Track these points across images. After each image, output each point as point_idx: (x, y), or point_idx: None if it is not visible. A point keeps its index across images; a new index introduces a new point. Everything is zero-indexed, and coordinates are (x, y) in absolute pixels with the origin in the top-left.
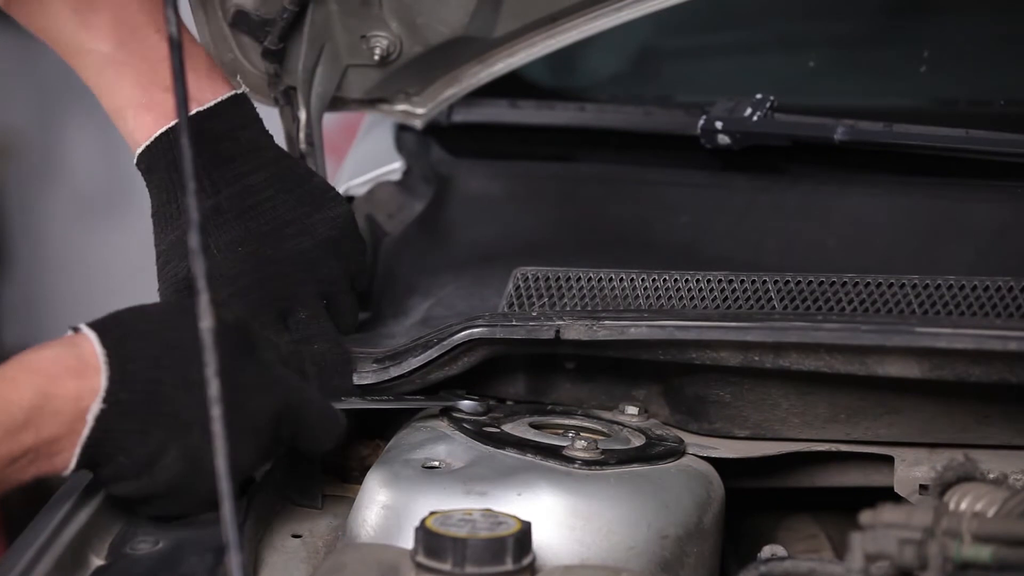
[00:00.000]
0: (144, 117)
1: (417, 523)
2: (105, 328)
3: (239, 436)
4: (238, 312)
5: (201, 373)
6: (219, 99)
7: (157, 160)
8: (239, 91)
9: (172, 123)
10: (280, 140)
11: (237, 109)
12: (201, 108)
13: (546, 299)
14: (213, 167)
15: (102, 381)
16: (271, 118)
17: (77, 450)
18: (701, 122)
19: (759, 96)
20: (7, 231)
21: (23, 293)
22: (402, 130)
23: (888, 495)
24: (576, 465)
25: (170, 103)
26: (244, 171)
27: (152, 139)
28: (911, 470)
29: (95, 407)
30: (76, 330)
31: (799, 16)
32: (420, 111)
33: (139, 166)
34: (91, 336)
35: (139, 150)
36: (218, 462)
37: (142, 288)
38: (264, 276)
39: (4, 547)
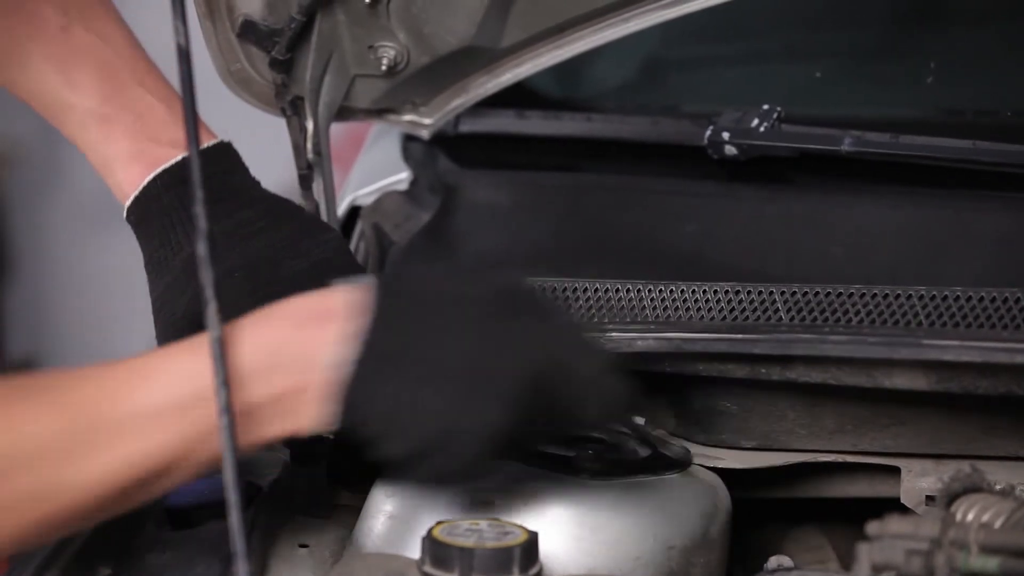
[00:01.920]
0: (132, 168)
1: (424, 533)
2: (370, 279)
3: (494, 390)
4: (520, 276)
5: (462, 320)
6: (207, 145)
7: (149, 207)
8: (225, 140)
9: (160, 169)
10: (288, 150)
11: (224, 155)
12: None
13: None
14: (205, 204)
15: (362, 323)
16: (278, 128)
17: (335, 398)
18: (708, 132)
19: (766, 107)
20: (10, 239)
21: (26, 301)
22: (409, 140)
23: (895, 506)
24: (583, 476)
25: (159, 152)
26: (235, 207)
27: (141, 187)
28: (918, 481)
29: (350, 350)
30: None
31: (806, 27)
32: (427, 121)
33: (129, 219)
34: (355, 282)
35: (128, 202)
36: (225, 474)
37: (145, 299)
38: (261, 301)
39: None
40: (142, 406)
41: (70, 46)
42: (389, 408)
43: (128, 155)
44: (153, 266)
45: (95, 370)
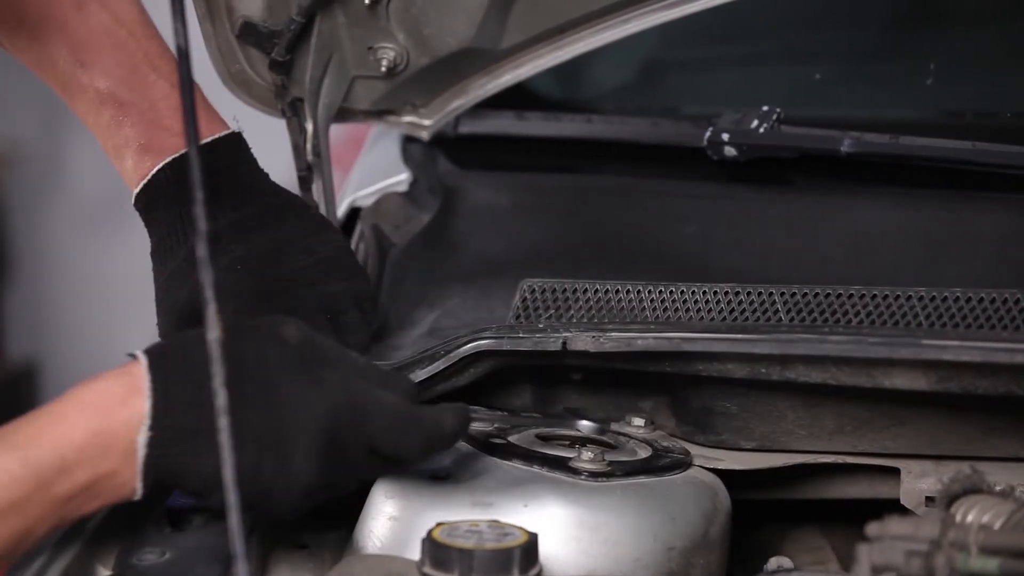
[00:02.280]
0: (143, 156)
1: (424, 534)
2: (154, 352)
3: (292, 451)
4: (302, 327)
5: (247, 388)
6: (216, 136)
7: (156, 197)
8: (235, 130)
9: (169, 158)
10: (287, 151)
11: (234, 147)
12: (200, 142)
13: (553, 311)
14: (212, 198)
15: (146, 407)
16: (278, 129)
17: (138, 478)
18: (708, 134)
19: (766, 108)
20: (11, 242)
21: (27, 303)
22: (408, 141)
23: (895, 507)
24: (583, 477)
25: (170, 142)
26: (242, 201)
27: (151, 175)
28: (918, 482)
29: (142, 435)
30: (133, 356)
31: (806, 28)
32: (427, 123)
33: (137, 206)
34: (142, 361)
35: (137, 189)
36: (225, 473)
37: (145, 300)
38: (265, 291)
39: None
40: None
41: (86, 26)
42: (199, 479)
43: (140, 143)
44: (159, 254)
45: None
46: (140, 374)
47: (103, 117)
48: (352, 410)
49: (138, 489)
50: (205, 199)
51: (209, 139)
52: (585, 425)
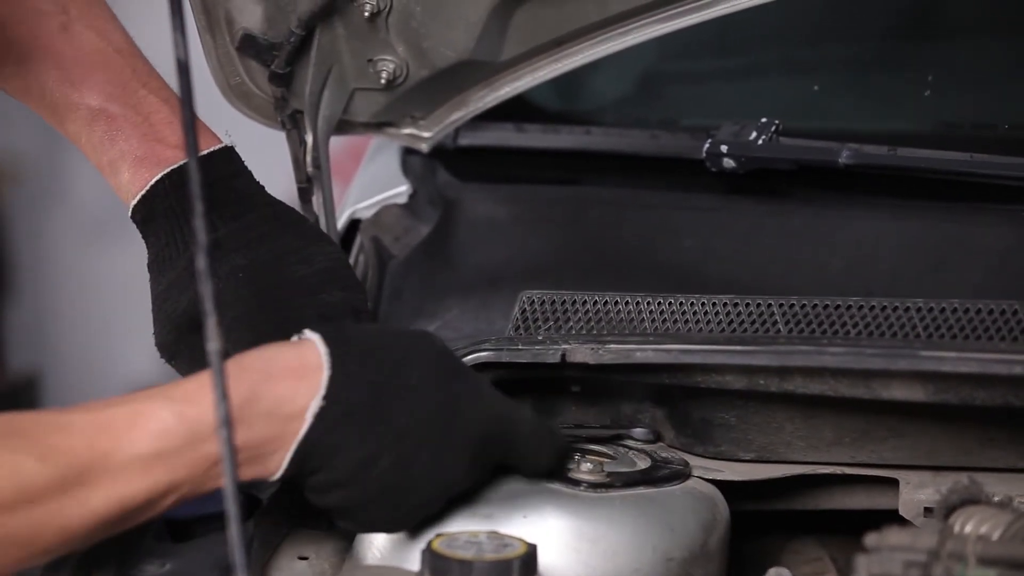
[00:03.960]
0: (140, 168)
1: (423, 545)
2: (326, 333)
3: (448, 448)
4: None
5: (417, 380)
6: (212, 149)
7: (154, 208)
8: (229, 144)
9: (167, 169)
10: (287, 163)
11: (229, 160)
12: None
13: (552, 322)
14: (210, 208)
15: (323, 379)
16: (277, 141)
17: (291, 449)
18: (706, 146)
19: (764, 120)
20: (13, 255)
21: (29, 316)
22: (408, 154)
23: (893, 518)
24: (582, 488)
25: (166, 154)
26: (240, 211)
27: (149, 186)
28: (916, 493)
29: (314, 404)
30: (299, 337)
31: (804, 40)
32: (426, 135)
33: (134, 217)
34: (314, 337)
35: (135, 201)
36: (225, 482)
37: (145, 311)
38: (265, 301)
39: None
40: (126, 456)
41: (73, 46)
42: (349, 462)
43: (136, 156)
44: (157, 264)
45: (80, 416)
46: (314, 348)
47: (96, 133)
48: (500, 420)
49: (283, 465)
50: (204, 209)
51: (205, 152)
52: (639, 432)
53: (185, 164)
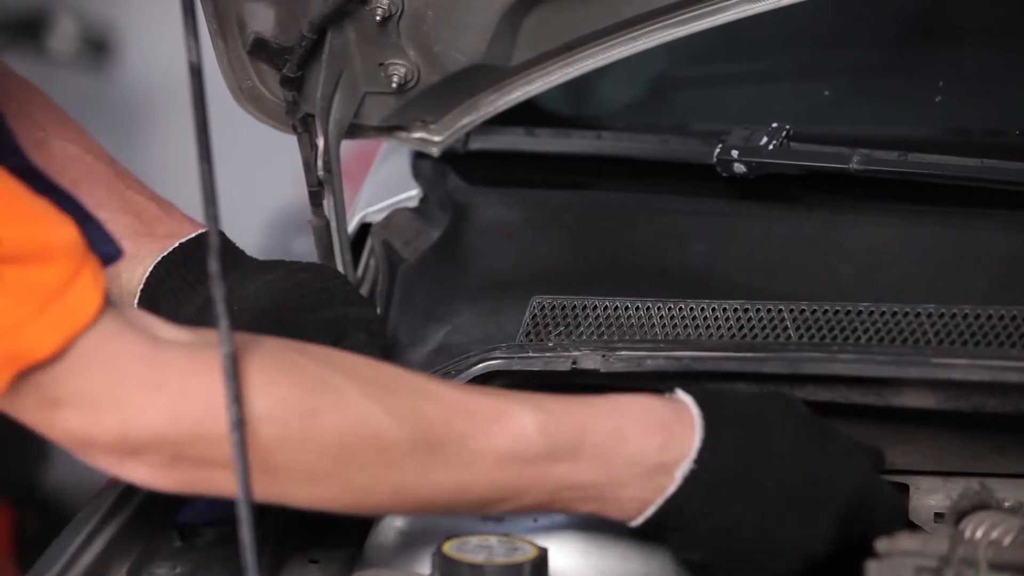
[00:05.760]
0: (135, 267)
1: (434, 549)
2: (697, 394)
3: (814, 519)
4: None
5: (784, 447)
6: (201, 231)
7: (155, 293)
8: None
9: (167, 252)
10: (298, 167)
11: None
12: (184, 239)
13: (563, 327)
14: (200, 271)
15: (695, 440)
16: (289, 145)
17: (656, 504)
18: (717, 151)
19: (775, 125)
20: None
21: None
22: (419, 158)
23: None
24: None
25: (160, 245)
26: (250, 273)
27: (147, 276)
28: (927, 498)
29: (685, 465)
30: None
31: (815, 45)
32: (437, 139)
33: (140, 307)
34: (687, 399)
35: (138, 293)
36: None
37: None
38: (266, 320)
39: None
40: (481, 447)
41: (53, 159)
42: (713, 527)
43: (129, 256)
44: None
45: (448, 391)
46: (687, 408)
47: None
48: (869, 491)
49: (643, 517)
50: (203, 275)
51: (194, 233)
52: None
53: (181, 244)
